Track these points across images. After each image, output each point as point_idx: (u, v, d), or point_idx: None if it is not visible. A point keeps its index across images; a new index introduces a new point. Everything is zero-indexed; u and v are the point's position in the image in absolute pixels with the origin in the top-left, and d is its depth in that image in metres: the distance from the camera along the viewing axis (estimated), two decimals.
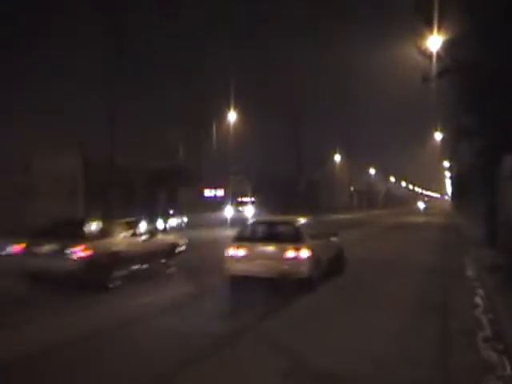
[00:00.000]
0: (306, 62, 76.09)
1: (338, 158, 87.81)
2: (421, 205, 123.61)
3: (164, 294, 11.14)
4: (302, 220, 12.71)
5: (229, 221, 37.98)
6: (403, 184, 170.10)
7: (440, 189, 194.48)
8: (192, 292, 11.40)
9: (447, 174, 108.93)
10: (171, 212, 34.70)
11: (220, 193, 48.03)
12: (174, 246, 14.33)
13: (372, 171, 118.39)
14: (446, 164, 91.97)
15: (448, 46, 15.46)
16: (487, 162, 16.10)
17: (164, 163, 43.77)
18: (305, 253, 10.99)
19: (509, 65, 10.89)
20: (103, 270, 11.15)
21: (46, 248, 11.13)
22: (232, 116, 48.63)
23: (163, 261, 13.67)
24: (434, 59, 15.12)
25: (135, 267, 12.40)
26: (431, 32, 19.68)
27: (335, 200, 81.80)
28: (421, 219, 51.04)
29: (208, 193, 45.07)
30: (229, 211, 40.62)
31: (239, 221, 36.54)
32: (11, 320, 8.87)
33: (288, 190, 57.43)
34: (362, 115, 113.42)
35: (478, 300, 10.13)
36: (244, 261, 11.27)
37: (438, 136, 68.80)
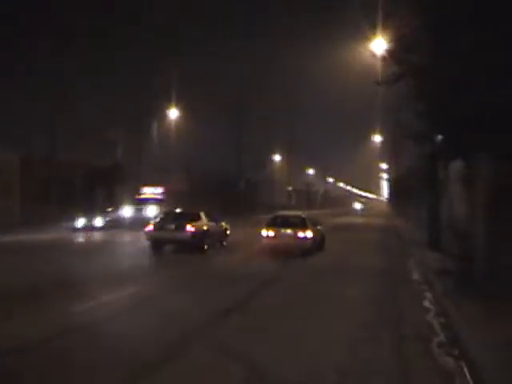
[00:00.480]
0: (252, 63, 76.22)
1: (277, 157, 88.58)
2: (357, 206, 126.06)
3: (230, 254, 19.77)
4: (306, 214, 21.69)
5: (127, 222, 34.49)
6: (341, 185, 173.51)
7: (376, 190, 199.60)
8: (245, 254, 19.81)
9: (384, 175, 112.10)
10: (110, 209, 33.97)
11: (158, 190, 47.28)
12: (226, 229, 22.88)
13: (311, 171, 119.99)
14: (384, 166, 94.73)
15: (397, 49, 15.62)
16: (433, 166, 16.48)
17: (105, 161, 43.01)
18: (309, 234, 18.93)
19: (458, 70, 11.06)
20: (200, 239, 19.68)
21: (172, 226, 19.67)
22: (173, 113, 48.26)
23: (221, 238, 22.19)
24: (386, 62, 15.32)
25: (212, 240, 20.74)
26: (379, 34, 20.03)
27: (274, 199, 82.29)
28: (360, 220, 51.81)
29: (146, 191, 44.28)
30: (127, 211, 35.66)
31: (138, 222, 32.65)
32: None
33: (228, 190, 57.27)
34: (304, 116, 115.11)
35: (428, 304, 10.29)
36: (272, 238, 19.13)
37: (378, 138, 70.77)
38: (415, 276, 14.11)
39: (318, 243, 20.03)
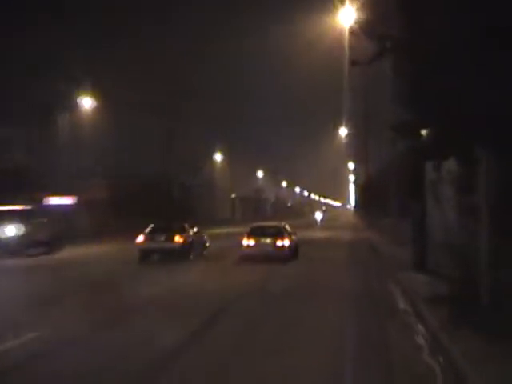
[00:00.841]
0: (185, 46, 75.42)
1: (219, 157, 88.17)
2: (318, 215, 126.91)
3: (212, 262, 26.57)
4: (284, 224, 28.15)
5: None
6: (297, 190, 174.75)
7: (342, 196, 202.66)
8: (225, 261, 26.17)
9: (351, 178, 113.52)
10: None
11: (68, 201, 46.33)
12: (206, 241, 29.85)
13: (260, 174, 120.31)
14: (351, 166, 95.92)
15: (371, 21, 15.63)
16: (418, 165, 16.49)
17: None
18: (287, 242, 25.24)
19: (445, 47, 11.04)
20: (187, 249, 26.18)
21: (161, 237, 25.74)
22: (86, 102, 47.32)
23: (202, 249, 28.67)
24: (358, 37, 15.31)
25: (195, 250, 27.17)
26: (348, 3, 20.06)
27: (215, 209, 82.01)
28: (324, 234, 51.67)
29: (55, 201, 43.37)
30: None
31: None
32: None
33: (159, 198, 56.64)
34: (252, 110, 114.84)
35: (422, 340, 10.19)
36: (253, 247, 25.23)
37: (344, 132, 71.34)
38: (401, 304, 14.07)
39: (293, 251, 26.34)
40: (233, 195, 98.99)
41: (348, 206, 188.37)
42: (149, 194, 55.27)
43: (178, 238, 25.74)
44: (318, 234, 51.89)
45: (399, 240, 26.99)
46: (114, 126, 51.14)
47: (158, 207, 53.67)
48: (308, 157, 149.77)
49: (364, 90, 47.15)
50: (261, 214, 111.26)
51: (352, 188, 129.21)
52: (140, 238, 25.97)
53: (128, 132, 57.53)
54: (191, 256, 26.42)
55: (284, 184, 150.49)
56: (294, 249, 26.52)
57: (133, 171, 55.29)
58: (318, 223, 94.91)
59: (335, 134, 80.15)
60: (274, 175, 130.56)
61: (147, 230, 26.68)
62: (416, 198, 18.03)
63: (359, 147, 63.86)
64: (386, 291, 16.44)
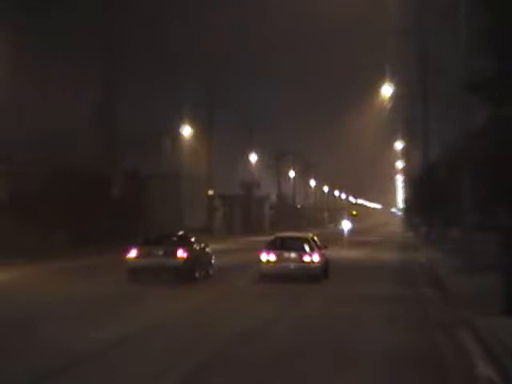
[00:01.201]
0: None
1: (188, 132, 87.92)
2: (346, 224, 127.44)
3: (219, 283, 32.87)
4: (312, 235, 34.79)
5: None
6: (312, 184, 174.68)
7: (383, 195, 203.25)
8: (239, 282, 32.93)
9: (399, 165, 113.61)
10: None
11: None
12: (211, 255, 35.27)
13: (253, 158, 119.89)
14: (399, 146, 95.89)
15: None
16: None
17: None
18: (316, 257, 30.80)
19: None
20: (192, 266, 31.03)
21: (159, 251, 30.55)
22: None
23: (207, 266, 34.06)
24: None
25: (201, 267, 32.50)
26: None
27: (182, 213, 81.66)
28: (354, 254, 51.66)
29: None
30: None
31: None
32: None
33: (88, 194, 56.55)
34: (245, 62, 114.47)
35: None
36: (274, 263, 30.62)
37: (387, 92, 71.16)
38: (482, 369, 13.93)
39: (324, 270, 31.80)
40: (210, 191, 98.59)
41: (393, 210, 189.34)
42: (72, 188, 54.94)
43: (181, 253, 30.18)
44: (347, 254, 52.35)
45: (477, 264, 26.97)
46: (19, 80, 50.98)
47: (88, 210, 53.80)
48: (330, 134, 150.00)
49: (421, 29, 47.12)
50: (253, 220, 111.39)
51: (400, 182, 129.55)
52: (132, 253, 30.25)
53: (42, 90, 57.37)
54: (197, 275, 31.28)
55: (291, 175, 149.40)
56: (324, 267, 31.94)
57: (47, 153, 54.69)
58: (345, 235, 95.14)
59: (374, 98, 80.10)
60: (275, 162, 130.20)
61: (139, 241, 31.56)
62: (508, 197, 17.95)
63: (412, 117, 63.77)
64: (458, 347, 16.39)
